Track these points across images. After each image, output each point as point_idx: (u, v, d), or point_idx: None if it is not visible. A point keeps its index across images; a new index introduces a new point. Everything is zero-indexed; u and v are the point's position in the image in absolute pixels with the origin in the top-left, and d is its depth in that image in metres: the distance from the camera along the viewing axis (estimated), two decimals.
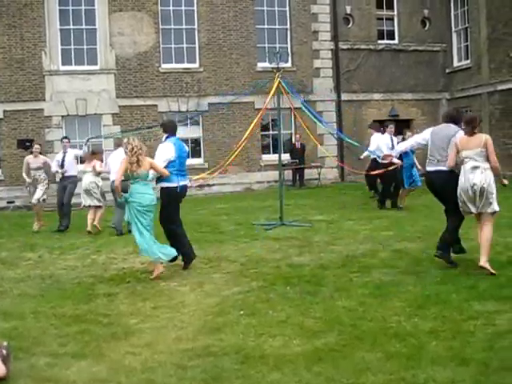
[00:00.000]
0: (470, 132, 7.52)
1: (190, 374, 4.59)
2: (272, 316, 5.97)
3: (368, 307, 6.11)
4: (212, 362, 4.80)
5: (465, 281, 6.96)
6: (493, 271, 7.10)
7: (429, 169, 8.11)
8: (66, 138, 14.11)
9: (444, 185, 7.79)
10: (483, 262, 7.17)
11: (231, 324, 5.77)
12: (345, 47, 22.70)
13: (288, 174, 21.11)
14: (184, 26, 21.01)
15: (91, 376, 4.66)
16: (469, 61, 22.98)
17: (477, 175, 7.22)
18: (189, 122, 21.05)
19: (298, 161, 21.19)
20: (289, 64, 21.62)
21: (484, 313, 5.73)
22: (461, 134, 7.76)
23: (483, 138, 7.40)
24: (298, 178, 21.49)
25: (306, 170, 21.68)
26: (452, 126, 8.07)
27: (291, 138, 22.16)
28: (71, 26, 19.93)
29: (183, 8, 20.97)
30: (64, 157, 13.31)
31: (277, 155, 14.08)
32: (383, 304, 6.21)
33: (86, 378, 4.63)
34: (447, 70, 23.95)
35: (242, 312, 6.15)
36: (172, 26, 20.89)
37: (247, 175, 21.30)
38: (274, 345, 5.14)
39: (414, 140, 9.04)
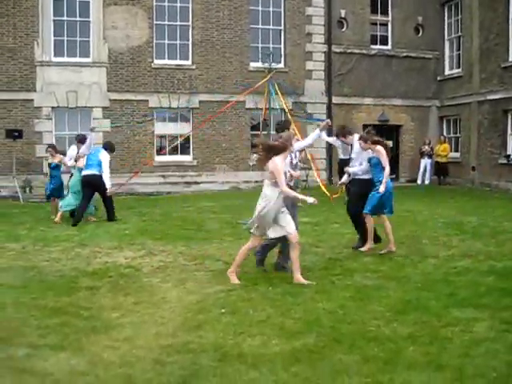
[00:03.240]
0: None
1: (168, 370, 4.61)
2: (252, 315, 6.00)
3: (348, 310, 6.15)
4: (190, 359, 4.82)
5: (445, 288, 7.02)
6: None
7: None
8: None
9: None
10: None
11: (211, 322, 5.79)
12: (338, 50, 22.77)
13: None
14: (178, 23, 20.99)
15: (69, 368, 4.67)
16: (460, 69, 23.14)
17: None
18: (179, 118, 21.05)
19: None
20: (281, 65, 21.68)
21: (462, 320, 5.79)
22: None
23: None
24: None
25: None
26: None
27: None
28: (65, 18, 19.85)
29: (178, 4, 20.95)
30: None
31: None
32: (363, 307, 6.25)
33: (63, 370, 4.64)
34: (438, 78, 24.10)
35: (223, 310, 6.16)
36: (166, 22, 20.87)
37: (235, 174, 21.31)
38: (253, 344, 5.17)
39: None
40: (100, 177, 12.65)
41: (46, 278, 7.72)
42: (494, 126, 20.84)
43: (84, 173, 12.79)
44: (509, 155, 20.19)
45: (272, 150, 7.36)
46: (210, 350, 5.00)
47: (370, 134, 9.65)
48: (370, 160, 9.41)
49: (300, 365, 4.69)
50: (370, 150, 9.29)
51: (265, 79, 13.07)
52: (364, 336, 5.34)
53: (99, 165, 12.75)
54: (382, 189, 9.07)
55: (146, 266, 8.47)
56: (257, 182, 20.85)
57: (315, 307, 6.28)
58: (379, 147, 9.32)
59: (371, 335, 5.37)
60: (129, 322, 5.85)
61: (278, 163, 7.26)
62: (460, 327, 5.58)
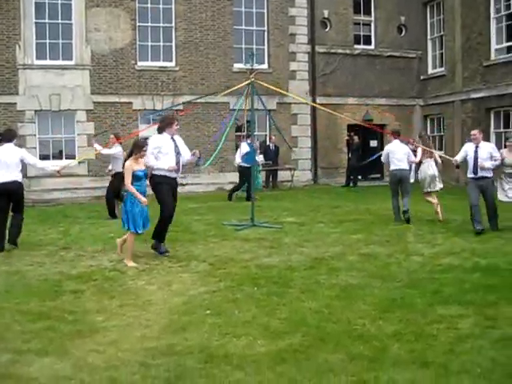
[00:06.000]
0: None
1: (154, 373, 4.60)
2: (238, 316, 5.99)
3: (334, 309, 6.16)
4: (176, 361, 4.81)
5: (430, 285, 7.06)
6: None
7: None
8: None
9: None
10: None
11: (197, 323, 5.78)
12: (321, 51, 22.82)
13: (261, 175, 21.14)
14: (161, 24, 20.91)
15: (54, 373, 4.64)
16: (443, 68, 23.27)
17: None
18: None
19: (271, 162, 21.23)
20: (265, 66, 21.69)
21: (447, 317, 5.82)
22: None
23: None
24: (271, 179, 21.52)
25: (280, 172, 21.73)
26: None
27: (265, 140, 22.22)
28: (47, 20, 19.69)
29: (161, 6, 20.86)
30: None
31: None
32: (349, 306, 6.27)
33: (48, 375, 4.61)
34: (422, 77, 24.23)
35: (208, 312, 6.16)
36: (149, 24, 20.78)
37: (220, 175, 21.28)
38: (239, 345, 5.17)
39: None
40: (246, 167, 16.43)
41: (30, 283, 7.67)
42: (477, 125, 20.90)
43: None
44: None
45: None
46: (195, 352, 4.99)
47: None
48: None
49: (285, 365, 4.69)
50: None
51: (247, 81, 13.02)
52: (349, 335, 5.36)
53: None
54: None
55: (130, 268, 8.43)
56: None
57: (301, 307, 6.28)
58: None
59: (357, 334, 5.39)
60: (114, 325, 5.82)
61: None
62: (445, 324, 5.61)
